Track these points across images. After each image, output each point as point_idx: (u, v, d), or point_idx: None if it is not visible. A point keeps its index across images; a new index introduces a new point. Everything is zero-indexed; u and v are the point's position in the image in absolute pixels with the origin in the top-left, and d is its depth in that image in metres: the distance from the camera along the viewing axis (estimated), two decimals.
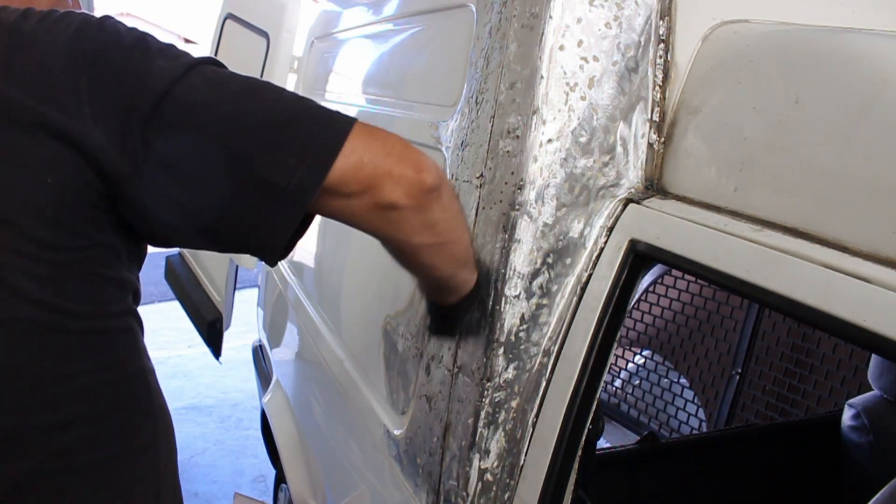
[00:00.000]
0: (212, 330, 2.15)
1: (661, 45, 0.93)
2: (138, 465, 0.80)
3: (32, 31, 0.68)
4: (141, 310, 0.84)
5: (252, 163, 0.68)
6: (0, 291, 0.68)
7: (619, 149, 0.93)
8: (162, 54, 0.71)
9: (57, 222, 0.68)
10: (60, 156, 0.66)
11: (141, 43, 0.71)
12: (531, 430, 0.95)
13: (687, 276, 2.43)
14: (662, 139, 0.93)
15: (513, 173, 0.92)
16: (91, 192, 0.69)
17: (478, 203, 0.98)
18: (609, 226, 0.93)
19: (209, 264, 2.39)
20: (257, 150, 0.69)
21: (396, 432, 1.18)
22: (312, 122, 0.71)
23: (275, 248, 0.74)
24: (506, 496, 0.97)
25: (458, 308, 0.90)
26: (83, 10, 0.75)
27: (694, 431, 2.32)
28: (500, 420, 0.96)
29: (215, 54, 2.80)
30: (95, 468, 0.76)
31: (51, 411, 0.72)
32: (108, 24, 0.71)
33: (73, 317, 0.71)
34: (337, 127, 0.71)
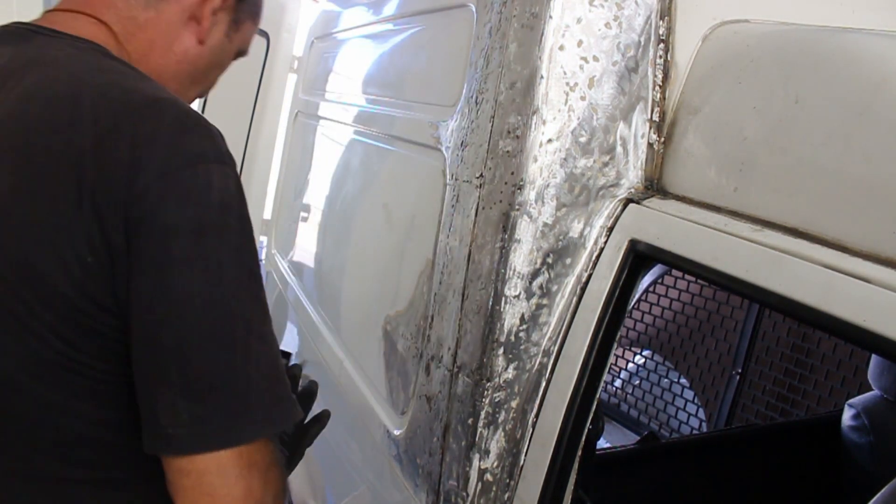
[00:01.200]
0: None
1: (661, 45, 0.93)
2: (142, 492, 0.78)
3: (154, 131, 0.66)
4: None
5: (156, 387, 0.66)
6: (23, 333, 0.67)
7: (619, 149, 0.93)
8: (217, 239, 0.66)
9: (88, 296, 0.66)
10: (96, 242, 0.65)
11: (208, 215, 0.66)
12: (531, 430, 0.95)
13: (687, 276, 2.43)
14: (662, 139, 0.93)
15: (513, 173, 0.92)
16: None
17: (478, 203, 0.98)
18: (609, 226, 0.93)
19: None
20: (172, 379, 0.66)
21: (396, 432, 1.18)
22: (233, 405, 0.67)
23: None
24: (506, 496, 0.97)
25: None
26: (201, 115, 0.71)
27: (694, 431, 2.32)
28: (500, 420, 0.96)
29: None
30: (96, 486, 0.75)
31: (55, 431, 0.72)
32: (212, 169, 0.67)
33: (88, 367, 0.70)
34: (244, 429, 0.67)
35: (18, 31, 0.78)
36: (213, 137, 0.69)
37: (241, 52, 0.93)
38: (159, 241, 0.65)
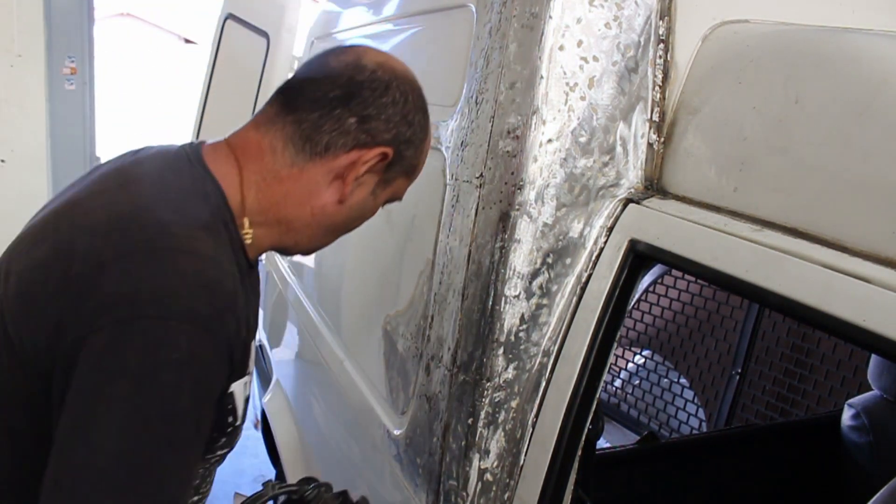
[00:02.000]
0: None
1: (661, 45, 0.93)
2: None
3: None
4: None
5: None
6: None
7: (619, 149, 0.93)
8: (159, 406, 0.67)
9: (37, 369, 0.72)
10: (53, 342, 0.71)
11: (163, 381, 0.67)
12: (531, 430, 0.95)
13: (687, 276, 2.43)
14: (662, 139, 0.93)
15: (513, 173, 0.92)
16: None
17: (478, 203, 0.98)
18: (609, 226, 0.93)
19: None
20: None
21: (396, 432, 1.18)
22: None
23: None
24: (506, 496, 0.97)
25: None
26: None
27: (694, 431, 2.32)
28: (500, 420, 0.96)
29: (215, 54, 2.80)
30: None
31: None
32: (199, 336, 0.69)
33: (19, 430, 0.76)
34: None
35: (183, 158, 0.82)
36: (207, 302, 0.70)
37: (394, 200, 0.91)
38: (103, 377, 0.67)
